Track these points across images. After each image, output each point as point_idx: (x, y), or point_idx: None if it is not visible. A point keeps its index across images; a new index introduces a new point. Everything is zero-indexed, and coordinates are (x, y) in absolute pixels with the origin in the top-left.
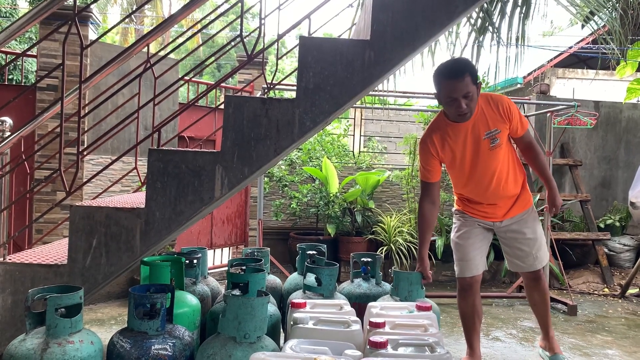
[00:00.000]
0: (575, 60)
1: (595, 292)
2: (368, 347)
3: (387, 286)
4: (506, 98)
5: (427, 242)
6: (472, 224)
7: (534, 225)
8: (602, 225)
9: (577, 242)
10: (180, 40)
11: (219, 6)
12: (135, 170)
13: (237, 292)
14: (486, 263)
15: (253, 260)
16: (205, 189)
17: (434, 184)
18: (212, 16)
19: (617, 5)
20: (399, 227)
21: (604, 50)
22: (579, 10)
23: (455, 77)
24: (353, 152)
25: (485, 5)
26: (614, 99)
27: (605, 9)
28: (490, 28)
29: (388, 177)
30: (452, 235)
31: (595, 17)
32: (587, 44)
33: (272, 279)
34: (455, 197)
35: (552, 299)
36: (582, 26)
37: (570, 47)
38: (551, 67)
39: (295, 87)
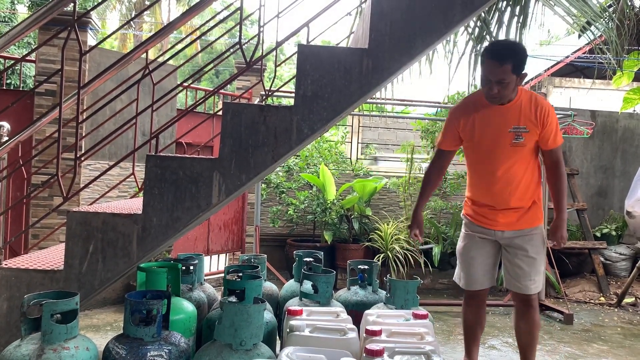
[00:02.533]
0: (572, 69)
1: (592, 301)
2: (364, 355)
3: (384, 294)
4: (550, 106)
5: (424, 200)
6: (474, 237)
7: (539, 247)
8: (598, 234)
9: (573, 251)
10: (179, 46)
11: (218, 13)
12: (132, 176)
13: (233, 299)
14: (493, 279)
15: (250, 267)
16: (202, 195)
17: (444, 152)
18: (211, 23)
19: (614, 15)
20: (396, 234)
21: (601, 60)
22: (575, 20)
23: (496, 59)
24: (350, 159)
25: (482, 14)
26: (610, 109)
27: (601, 19)
28: (487, 37)
29: (385, 185)
30: (458, 244)
31: (592, 27)
32: (584, 53)
33: (269, 286)
34: (465, 201)
35: (549, 308)
36: (579, 36)
37: (567, 57)
38: (548, 76)
39: (293, 94)
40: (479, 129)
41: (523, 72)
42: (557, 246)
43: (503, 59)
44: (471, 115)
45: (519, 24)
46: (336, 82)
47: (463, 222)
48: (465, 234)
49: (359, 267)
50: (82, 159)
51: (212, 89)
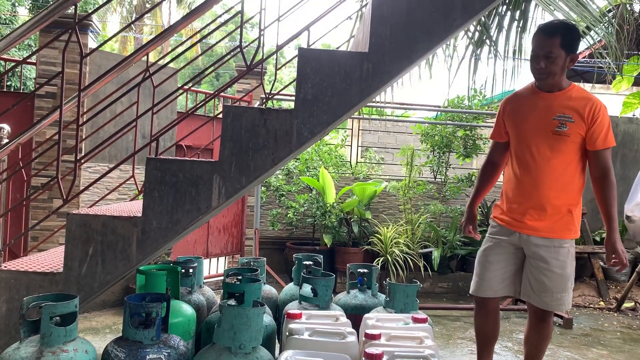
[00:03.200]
0: (572, 73)
1: (591, 306)
2: (364, 359)
3: (383, 297)
4: (603, 105)
5: (478, 195)
6: (499, 242)
7: (566, 262)
8: (597, 239)
9: None
10: (180, 49)
11: (218, 16)
12: (132, 179)
13: (232, 302)
14: (510, 289)
15: (249, 270)
16: (202, 198)
17: (496, 145)
18: (212, 26)
19: (613, 20)
20: (395, 238)
21: (600, 65)
22: (575, 24)
23: (544, 32)
24: (350, 162)
25: (482, 19)
26: (610, 113)
27: (601, 24)
28: (487, 41)
29: (385, 188)
30: (480, 247)
31: (592, 32)
32: (584, 57)
33: (268, 289)
34: (495, 204)
35: None
36: None
37: None
38: None
39: (293, 98)
40: (523, 113)
41: (573, 53)
42: (619, 263)
43: (551, 32)
44: (518, 101)
45: (519, 28)
46: (336, 85)
47: (489, 226)
48: (487, 237)
49: (358, 270)
50: (82, 161)
51: (212, 92)
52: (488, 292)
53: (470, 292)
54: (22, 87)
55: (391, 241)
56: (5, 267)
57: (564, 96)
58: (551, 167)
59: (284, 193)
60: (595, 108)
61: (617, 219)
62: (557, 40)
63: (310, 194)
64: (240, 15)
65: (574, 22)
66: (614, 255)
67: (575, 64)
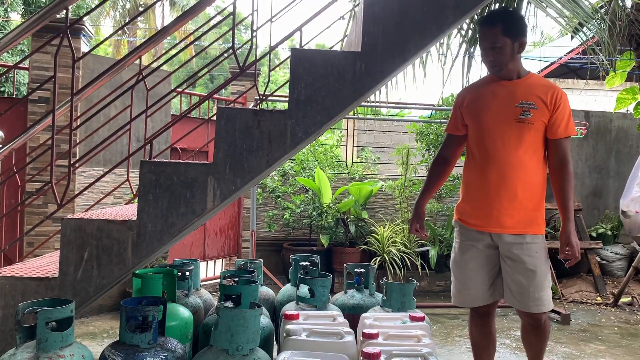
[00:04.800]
0: (566, 70)
1: (588, 301)
2: (361, 358)
3: (381, 297)
4: (565, 94)
5: (427, 192)
6: (474, 247)
7: (539, 259)
8: (594, 234)
9: None
10: (173, 52)
11: (211, 18)
12: (127, 182)
13: (229, 304)
14: (498, 292)
15: (246, 271)
16: (197, 200)
17: (450, 138)
18: (205, 28)
19: (606, 16)
20: (392, 237)
21: (593, 61)
22: (567, 21)
23: (485, 24)
24: (346, 162)
25: (475, 16)
26: (604, 109)
27: (593, 20)
28: None
29: (381, 188)
30: (451, 257)
31: (584, 29)
32: (577, 54)
33: (265, 291)
34: (457, 205)
35: None
36: (572, 37)
37: (561, 58)
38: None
39: (287, 99)
40: (484, 102)
41: (520, 37)
42: (571, 256)
43: (491, 22)
44: (477, 91)
45: None
46: (330, 85)
47: (455, 230)
48: (458, 243)
49: (355, 270)
50: (77, 165)
51: (206, 94)
52: (477, 302)
53: (456, 304)
54: (15, 93)
55: (388, 240)
56: (0, 273)
57: (525, 83)
58: (518, 158)
59: (280, 194)
60: (557, 95)
61: (573, 210)
62: (498, 29)
63: (307, 195)
64: (232, 16)
65: (565, 20)
66: (567, 247)
67: (569, 61)
